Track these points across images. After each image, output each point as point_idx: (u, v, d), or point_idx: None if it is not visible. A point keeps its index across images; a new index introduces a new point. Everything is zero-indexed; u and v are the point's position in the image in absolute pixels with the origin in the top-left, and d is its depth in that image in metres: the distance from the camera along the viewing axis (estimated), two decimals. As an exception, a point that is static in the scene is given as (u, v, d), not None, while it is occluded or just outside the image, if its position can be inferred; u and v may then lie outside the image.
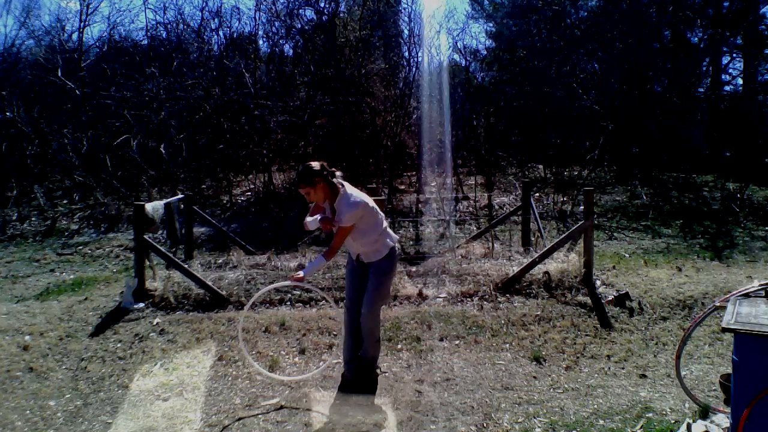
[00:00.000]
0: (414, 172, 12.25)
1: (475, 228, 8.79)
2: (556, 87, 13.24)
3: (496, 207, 10.16)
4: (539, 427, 3.10)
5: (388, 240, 3.49)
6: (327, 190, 3.35)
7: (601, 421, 3.14)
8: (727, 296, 3.01)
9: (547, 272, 5.47)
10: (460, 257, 6.54)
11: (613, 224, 9.18)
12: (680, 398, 3.36)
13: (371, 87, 11.78)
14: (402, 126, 11.97)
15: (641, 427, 3.06)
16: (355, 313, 3.54)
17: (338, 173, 3.41)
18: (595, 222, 7.93)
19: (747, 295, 2.80)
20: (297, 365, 3.94)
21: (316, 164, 3.32)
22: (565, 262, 5.62)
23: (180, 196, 7.19)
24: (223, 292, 5.15)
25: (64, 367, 3.96)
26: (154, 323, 4.64)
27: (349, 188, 3.40)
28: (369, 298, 3.44)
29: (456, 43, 17.43)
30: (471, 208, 10.17)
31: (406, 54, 13.26)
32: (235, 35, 14.02)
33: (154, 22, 18.79)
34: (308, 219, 3.53)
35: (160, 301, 5.09)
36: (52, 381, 3.75)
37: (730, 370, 2.48)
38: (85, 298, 5.45)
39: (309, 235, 7.95)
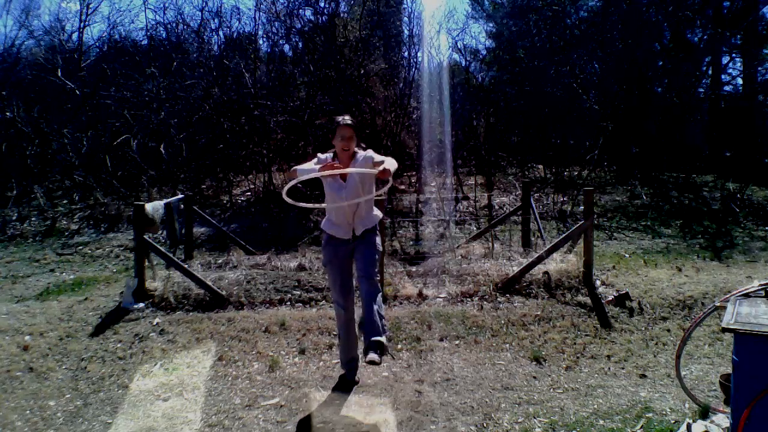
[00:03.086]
0: (414, 172, 12.25)
1: (475, 228, 8.79)
2: (556, 87, 13.24)
3: (496, 207, 10.16)
4: (539, 427, 3.10)
5: (377, 210, 3.62)
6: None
7: (601, 421, 3.14)
8: (727, 296, 3.00)
9: (547, 272, 5.47)
10: (460, 257, 6.54)
11: (613, 224, 9.18)
12: (680, 398, 3.36)
13: (371, 87, 11.78)
14: (402, 126, 11.97)
15: (641, 427, 3.06)
16: (351, 310, 3.51)
17: None
18: (595, 222, 7.93)
19: (747, 295, 2.79)
20: (297, 365, 3.94)
21: None
22: (565, 262, 5.62)
23: (180, 196, 7.19)
24: (223, 292, 5.15)
25: (64, 367, 3.96)
26: (154, 323, 4.64)
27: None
28: (371, 268, 3.37)
29: (456, 43, 17.44)
30: (471, 208, 10.17)
31: (406, 54, 13.28)
32: (235, 35, 14.02)
33: (153, 22, 18.82)
34: (302, 167, 3.43)
35: (160, 301, 5.09)
36: (52, 381, 3.75)
37: (730, 370, 2.48)
38: (85, 298, 5.45)
39: (309, 235, 7.95)
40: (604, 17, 14.05)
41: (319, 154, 3.54)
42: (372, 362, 3.11)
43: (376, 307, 3.29)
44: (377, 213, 3.58)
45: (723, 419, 2.92)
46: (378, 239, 3.53)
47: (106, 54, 14.38)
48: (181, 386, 3.63)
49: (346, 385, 3.58)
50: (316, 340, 4.32)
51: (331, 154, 3.48)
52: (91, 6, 14.52)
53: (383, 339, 3.19)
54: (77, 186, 10.93)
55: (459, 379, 3.71)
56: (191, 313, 4.89)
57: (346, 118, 3.47)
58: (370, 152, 3.47)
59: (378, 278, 3.36)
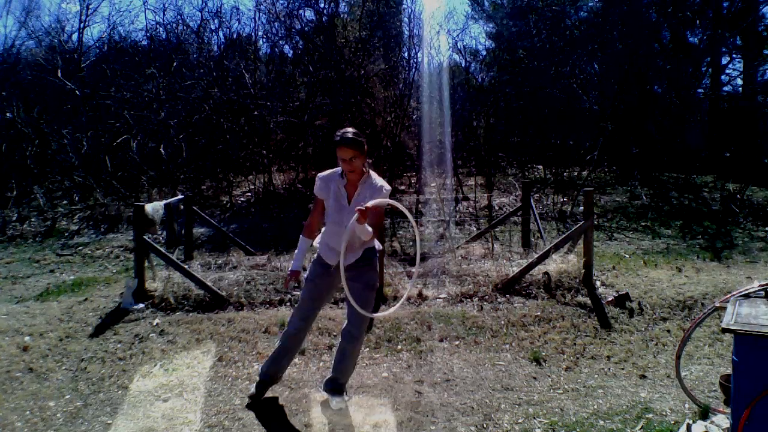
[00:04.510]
0: (414, 173, 12.25)
1: (475, 228, 8.78)
2: (556, 87, 13.25)
3: (496, 207, 10.16)
4: (539, 427, 3.10)
5: (376, 241, 3.23)
6: (363, 165, 3.01)
7: (601, 422, 3.14)
8: (727, 297, 3.00)
9: (546, 273, 5.47)
10: (460, 258, 6.54)
11: (613, 225, 9.18)
12: (680, 399, 3.36)
13: (371, 88, 11.78)
14: (402, 127, 11.97)
15: (641, 428, 3.06)
16: (300, 338, 3.32)
17: None
18: (595, 222, 7.93)
19: (747, 296, 2.80)
20: (297, 365, 3.94)
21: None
22: (564, 263, 5.62)
23: (180, 196, 7.19)
24: (223, 293, 5.15)
25: (63, 367, 3.96)
26: (154, 324, 4.64)
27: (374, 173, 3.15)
28: (360, 316, 3.02)
29: (456, 43, 17.39)
30: (471, 209, 10.17)
31: (406, 55, 13.29)
32: (234, 36, 14.03)
33: (153, 23, 18.84)
34: (314, 242, 3.17)
35: (160, 302, 5.09)
36: (52, 382, 3.75)
37: (730, 371, 2.48)
38: (85, 299, 5.45)
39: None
40: (604, 17, 14.05)
41: (318, 176, 3.15)
42: (331, 399, 3.21)
43: (349, 355, 3.16)
44: (375, 245, 3.21)
45: (723, 420, 2.92)
46: (374, 274, 3.20)
47: (106, 54, 14.39)
48: (180, 387, 3.63)
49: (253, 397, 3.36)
50: (316, 340, 4.32)
51: (339, 171, 3.09)
52: (90, 7, 14.54)
53: (342, 389, 3.23)
54: (77, 186, 10.93)
55: (459, 380, 3.71)
56: (191, 314, 4.89)
57: (347, 133, 2.91)
58: (379, 181, 3.08)
59: (364, 335, 3.04)
